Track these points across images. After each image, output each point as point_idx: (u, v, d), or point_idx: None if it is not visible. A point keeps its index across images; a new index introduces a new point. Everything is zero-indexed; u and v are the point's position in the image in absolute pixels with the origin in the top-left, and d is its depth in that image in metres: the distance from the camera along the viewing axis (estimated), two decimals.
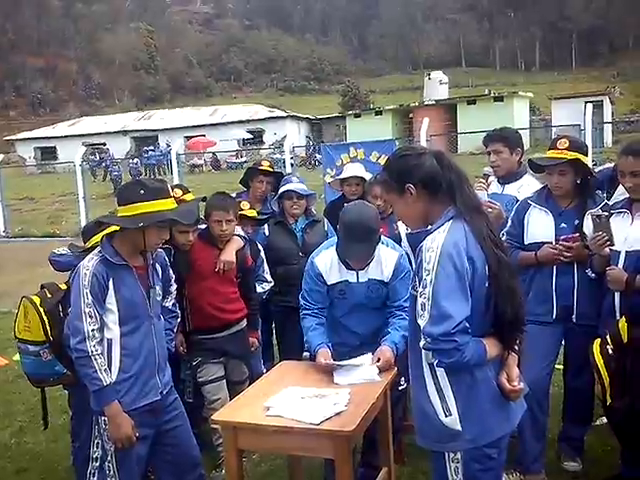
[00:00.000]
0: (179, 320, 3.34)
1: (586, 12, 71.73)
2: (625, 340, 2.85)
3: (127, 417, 2.62)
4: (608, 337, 2.90)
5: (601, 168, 4.50)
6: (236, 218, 3.65)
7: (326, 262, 3.07)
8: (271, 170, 4.56)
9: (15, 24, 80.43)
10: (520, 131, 3.98)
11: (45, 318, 3.04)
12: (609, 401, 2.87)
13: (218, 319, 3.59)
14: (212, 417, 2.60)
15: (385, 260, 3.07)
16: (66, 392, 3.46)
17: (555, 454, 3.54)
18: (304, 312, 3.13)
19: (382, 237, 3.08)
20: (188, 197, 3.69)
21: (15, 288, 8.20)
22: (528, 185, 3.59)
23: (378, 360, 2.87)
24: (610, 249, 3.01)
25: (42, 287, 3.20)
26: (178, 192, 3.62)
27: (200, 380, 3.60)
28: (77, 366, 2.65)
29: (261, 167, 4.53)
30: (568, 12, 73.08)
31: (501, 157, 3.61)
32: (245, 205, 4.02)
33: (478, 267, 1.99)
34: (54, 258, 3.28)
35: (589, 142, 10.85)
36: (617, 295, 3.02)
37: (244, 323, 3.75)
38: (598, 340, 2.95)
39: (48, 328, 3.03)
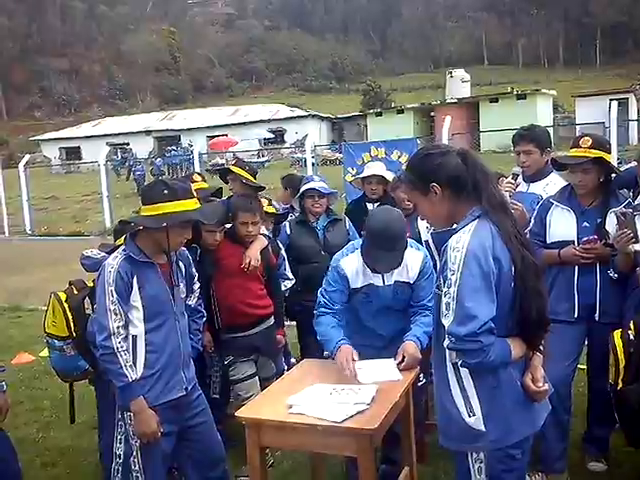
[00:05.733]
0: (205, 319, 3.37)
1: (611, 8, 70.40)
2: None
3: (152, 413, 2.65)
4: (631, 324, 2.89)
5: (627, 167, 4.44)
6: (262, 219, 3.69)
7: (352, 266, 3.04)
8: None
9: (40, 26, 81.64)
10: (547, 129, 3.92)
11: (69, 314, 3.10)
12: (620, 385, 2.84)
13: (248, 315, 3.63)
14: (236, 414, 2.62)
15: (410, 262, 3.05)
16: (93, 388, 3.51)
17: (579, 454, 3.52)
18: (321, 310, 3.09)
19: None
20: (205, 185, 4.02)
21: (40, 286, 8.36)
22: (554, 184, 3.55)
23: (402, 358, 2.86)
24: (636, 249, 2.98)
25: (70, 283, 3.27)
26: (197, 177, 3.97)
27: (233, 378, 3.63)
28: (103, 362, 2.69)
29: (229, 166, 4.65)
30: (592, 8, 71.87)
31: (532, 158, 3.57)
32: (264, 202, 4.06)
33: (504, 267, 1.98)
34: (82, 260, 3.35)
35: (614, 140, 10.71)
36: None
37: (272, 320, 3.77)
38: (620, 330, 2.94)
39: (71, 324, 3.10)
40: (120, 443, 3.11)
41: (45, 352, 3.71)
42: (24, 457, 3.83)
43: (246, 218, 3.57)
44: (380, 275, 3.04)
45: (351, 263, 3.05)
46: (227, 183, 4.63)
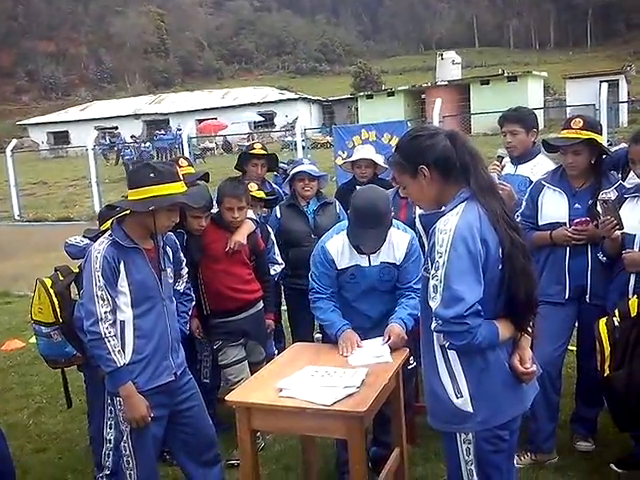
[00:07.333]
0: (194, 303, 3.37)
1: None
2: (634, 314, 2.85)
3: (141, 398, 2.64)
4: (616, 311, 2.91)
5: (617, 148, 4.45)
6: (248, 204, 3.66)
7: (337, 247, 3.05)
8: (264, 152, 4.58)
9: (25, 9, 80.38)
10: (534, 111, 3.92)
11: (55, 300, 3.09)
12: (607, 372, 2.86)
13: (235, 300, 3.61)
14: (226, 398, 2.62)
15: (397, 243, 3.06)
16: (82, 374, 3.50)
17: (567, 434, 3.55)
18: (316, 295, 3.12)
19: (393, 220, 3.07)
20: (191, 169, 4.02)
21: (30, 272, 8.30)
22: (541, 165, 3.56)
23: (389, 338, 2.88)
24: (625, 232, 3.00)
25: (56, 270, 3.24)
26: (184, 162, 3.95)
27: (222, 363, 3.63)
28: (91, 348, 2.67)
29: (253, 151, 4.56)
30: None
31: (517, 138, 3.57)
32: (253, 187, 4.03)
33: (492, 249, 1.97)
34: (66, 248, 3.32)
35: (604, 122, 10.73)
36: (632, 276, 3.02)
37: (261, 305, 3.76)
38: (605, 317, 2.96)
39: (58, 310, 3.08)
40: (110, 428, 3.12)
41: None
42: (15, 443, 3.84)
43: (232, 203, 3.54)
44: (366, 256, 3.04)
45: (336, 244, 3.06)
46: (243, 171, 4.57)
